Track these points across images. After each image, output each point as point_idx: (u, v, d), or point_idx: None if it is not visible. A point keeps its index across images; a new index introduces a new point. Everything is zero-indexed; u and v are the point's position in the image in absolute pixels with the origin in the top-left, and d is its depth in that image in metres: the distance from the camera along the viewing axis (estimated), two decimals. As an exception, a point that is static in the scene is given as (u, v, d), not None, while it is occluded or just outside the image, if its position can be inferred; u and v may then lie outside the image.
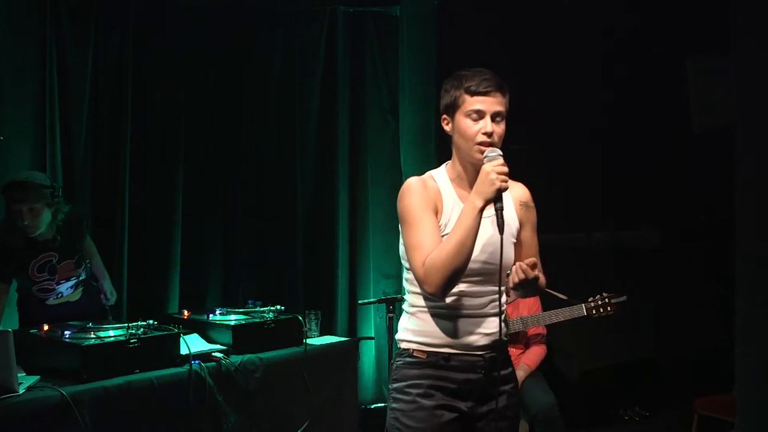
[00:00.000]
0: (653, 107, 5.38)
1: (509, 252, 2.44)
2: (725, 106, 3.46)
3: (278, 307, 3.92)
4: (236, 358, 3.57)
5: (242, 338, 3.65)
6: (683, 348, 5.49)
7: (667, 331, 5.55)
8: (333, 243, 4.99)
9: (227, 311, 3.94)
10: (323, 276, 4.99)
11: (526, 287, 2.30)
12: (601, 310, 4.11)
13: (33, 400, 2.93)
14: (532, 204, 2.58)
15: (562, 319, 4.16)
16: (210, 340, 3.67)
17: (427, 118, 4.77)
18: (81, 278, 3.86)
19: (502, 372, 2.47)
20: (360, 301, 4.84)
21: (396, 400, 2.43)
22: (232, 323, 3.73)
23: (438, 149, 4.59)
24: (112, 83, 4.41)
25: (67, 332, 3.28)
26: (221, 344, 3.63)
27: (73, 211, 3.79)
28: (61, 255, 3.72)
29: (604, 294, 4.12)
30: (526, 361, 4.24)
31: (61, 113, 4.21)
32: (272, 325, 3.79)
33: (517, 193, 2.56)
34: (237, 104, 4.85)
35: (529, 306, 4.27)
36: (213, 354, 3.52)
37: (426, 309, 2.42)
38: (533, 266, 2.26)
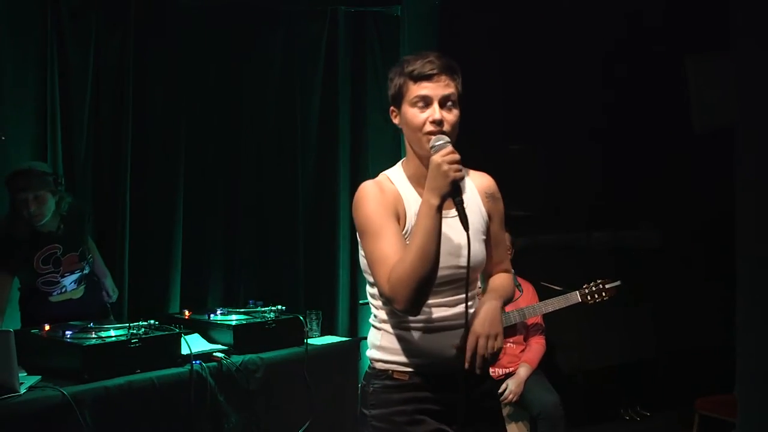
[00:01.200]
0: (653, 107, 5.39)
1: (481, 252, 2.23)
2: (725, 106, 3.47)
3: (279, 307, 3.91)
4: (237, 358, 3.56)
5: (243, 338, 3.65)
6: (684, 348, 5.49)
7: (668, 331, 5.55)
8: (334, 243, 4.99)
9: (228, 311, 3.94)
10: (324, 276, 4.99)
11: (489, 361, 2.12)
12: (596, 297, 4.15)
13: (34, 400, 2.93)
14: (499, 195, 2.34)
15: (558, 308, 4.19)
16: (211, 340, 3.67)
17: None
18: (85, 272, 3.85)
19: (484, 387, 2.27)
20: (361, 301, 4.84)
21: (378, 429, 2.17)
22: (233, 323, 3.73)
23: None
24: (112, 83, 4.41)
25: (68, 332, 3.28)
26: (222, 344, 3.63)
27: (75, 204, 3.82)
28: (65, 247, 3.72)
29: (598, 280, 4.17)
30: (526, 359, 4.26)
31: (62, 113, 4.21)
32: (273, 325, 3.79)
33: (481, 184, 2.32)
34: (238, 104, 4.85)
35: (528, 298, 4.30)
36: (214, 354, 3.52)
37: (400, 324, 2.18)
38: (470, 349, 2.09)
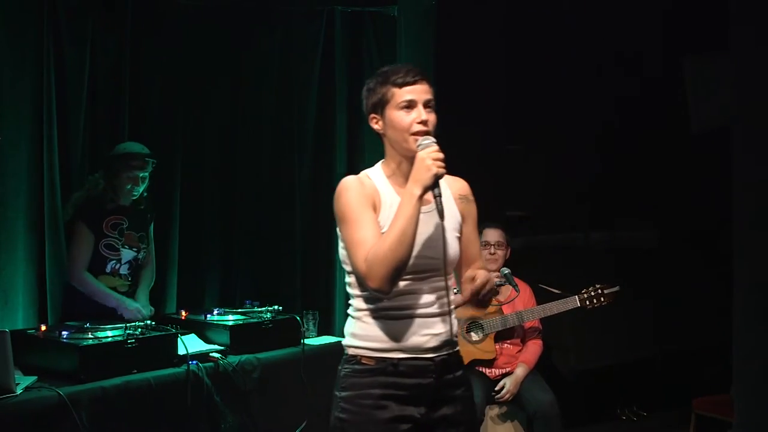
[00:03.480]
0: (652, 107, 5.39)
1: (455, 247, 2.40)
2: (724, 106, 3.47)
3: (276, 307, 3.91)
4: (234, 359, 3.56)
5: (240, 338, 3.65)
6: (681, 348, 5.50)
7: (665, 331, 5.56)
8: (331, 243, 4.97)
9: (225, 311, 3.94)
10: (321, 276, 4.99)
11: (486, 298, 2.30)
12: (594, 301, 4.17)
13: (30, 400, 2.92)
14: (472, 197, 2.54)
15: (557, 312, 4.20)
16: (208, 341, 3.67)
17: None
18: (139, 257, 4.11)
19: (453, 375, 2.40)
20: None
21: (344, 410, 2.35)
22: (230, 323, 3.73)
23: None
24: (109, 83, 4.40)
25: (64, 332, 3.28)
26: (219, 344, 3.63)
27: (147, 196, 4.16)
28: (129, 223, 4.05)
29: (597, 285, 4.18)
30: (523, 359, 4.26)
31: (58, 113, 4.19)
32: (270, 325, 3.79)
33: (456, 187, 2.51)
34: (235, 104, 4.85)
35: (525, 300, 4.30)
36: (211, 354, 3.51)
37: (371, 312, 2.35)
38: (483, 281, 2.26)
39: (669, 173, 5.42)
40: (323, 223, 5.00)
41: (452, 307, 2.38)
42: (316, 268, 4.99)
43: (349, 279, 2.41)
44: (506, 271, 4.20)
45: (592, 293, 4.18)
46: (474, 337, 4.20)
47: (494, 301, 4.25)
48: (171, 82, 4.60)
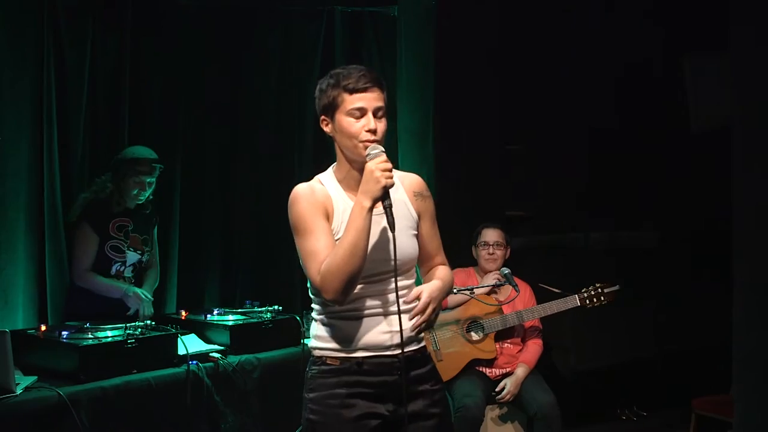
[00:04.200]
0: (653, 107, 5.39)
1: (410, 247, 2.40)
2: (724, 106, 3.47)
3: (276, 307, 3.92)
4: (234, 359, 3.56)
5: (240, 338, 3.65)
6: (681, 348, 5.50)
7: (665, 331, 5.56)
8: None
9: (225, 311, 3.94)
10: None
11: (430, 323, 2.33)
12: (594, 300, 4.17)
13: (30, 400, 2.92)
14: (427, 193, 2.50)
15: (557, 311, 4.20)
16: (208, 341, 3.67)
17: (424, 118, 4.77)
18: (143, 259, 4.11)
19: (419, 371, 2.40)
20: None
21: (313, 411, 2.35)
22: (230, 323, 3.74)
23: (436, 149, 4.60)
24: (109, 83, 4.41)
25: (64, 333, 3.28)
26: (219, 344, 3.63)
27: (151, 200, 4.14)
28: (134, 226, 4.05)
29: (597, 284, 4.18)
30: (524, 359, 4.25)
31: (58, 113, 4.20)
32: (270, 325, 3.79)
33: (410, 184, 2.48)
34: (235, 104, 4.86)
35: (525, 300, 4.30)
36: (211, 354, 3.51)
37: (333, 314, 2.37)
38: (422, 307, 2.28)
39: (669, 173, 5.42)
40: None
41: (409, 305, 2.37)
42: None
43: (309, 283, 2.40)
44: (506, 270, 4.23)
45: (592, 292, 4.19)
46: (474, 336, 4.20)
47: (494, 301, 4.26)
48: (171, 82, 4.60)
